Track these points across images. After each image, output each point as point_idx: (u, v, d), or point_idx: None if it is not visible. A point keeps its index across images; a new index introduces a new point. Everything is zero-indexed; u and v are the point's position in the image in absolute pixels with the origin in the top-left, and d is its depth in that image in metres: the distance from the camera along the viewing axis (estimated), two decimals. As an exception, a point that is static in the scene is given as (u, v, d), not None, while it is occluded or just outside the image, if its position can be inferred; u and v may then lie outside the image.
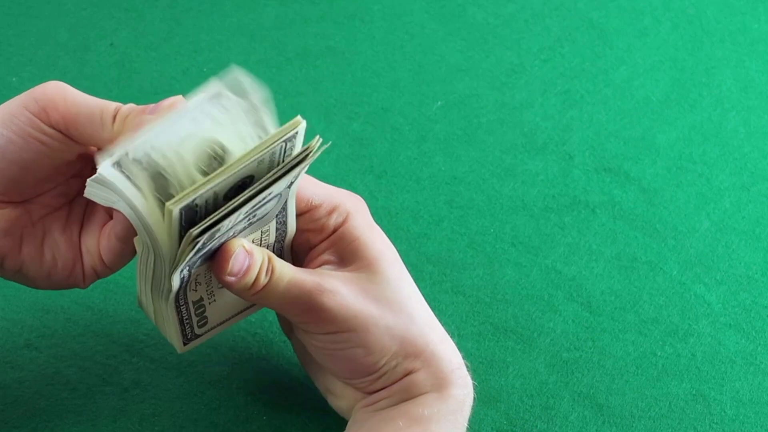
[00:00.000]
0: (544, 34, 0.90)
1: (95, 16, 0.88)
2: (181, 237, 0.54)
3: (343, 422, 0.64)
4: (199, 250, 0.55)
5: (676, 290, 0.75)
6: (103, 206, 0.59)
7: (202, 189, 0.53)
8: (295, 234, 0.61)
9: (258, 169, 0.54)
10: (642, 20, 0.92)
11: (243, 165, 0.53)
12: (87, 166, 0.60)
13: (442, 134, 0.82)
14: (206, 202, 0.53)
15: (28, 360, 0.68)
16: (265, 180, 0.54)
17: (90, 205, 0.61)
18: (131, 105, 0.57)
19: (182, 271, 0.56)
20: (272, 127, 0.56)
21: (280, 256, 0.61)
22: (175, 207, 0.52)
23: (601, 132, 0.84)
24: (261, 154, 0.54)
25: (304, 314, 0.59)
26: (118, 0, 0.89)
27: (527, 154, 0.82)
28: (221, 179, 0.53)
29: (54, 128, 0.57)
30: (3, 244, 0.58)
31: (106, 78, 0.84)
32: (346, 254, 0.60)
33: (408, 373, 0.60)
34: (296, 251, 0.62)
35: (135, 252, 0.59)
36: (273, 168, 0.55)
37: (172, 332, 0.60)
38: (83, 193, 0.60)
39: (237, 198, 0.54)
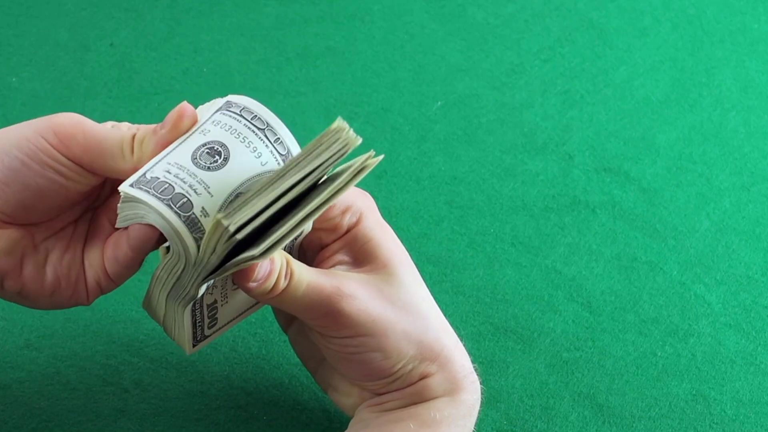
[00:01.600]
0: (544, 34, 0.90)
1: (95, 16, 0.88)
2: (227, 251, 0.53)
3: (344, 422, 0.64)
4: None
5: (676, 290, 0.75)
6: (107, 220, 0.59)
7: (257, 206, 0.52)
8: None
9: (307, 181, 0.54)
10: (642, 20, 0.92)
11: (301, 181, 0.52)
12: (95, 191, 0.59)
13: (442, 134, 0.82)
14: (256, 215, 0.52)
15: (28, 360, 0.67)
16: (325, 196, 0.53)
17: (94, 221, 0.60)
18: (144, 128, 0.57)
19: (211, 279, 0.56)
20: (283, 130, 0.56)
21: (290, 253, 0.61)
22: (233, 224, 0.51)
23: (601, 132, 0.84)
24: (317, 172, 0.53)
25: (321, 318, 0.58)
26: (118, 0, 0.89)
27: (527, 154, 0.82)
28: (276, 197, 0.52)
29: (72, 161, 0.56)
30: (4, 263, 0.57)
31: (106, 78, 0.84)
32: (360, 255, 0.60)
33: (423, 377, 0.60)
34: (306, 249, 0.62)
35: (141, 264, 0.58)
36: (319, 177, 0.54)
37: (182, 335, 0.60)
38: (89, 213, 0.60)
39: (296, 216, 0.53)
